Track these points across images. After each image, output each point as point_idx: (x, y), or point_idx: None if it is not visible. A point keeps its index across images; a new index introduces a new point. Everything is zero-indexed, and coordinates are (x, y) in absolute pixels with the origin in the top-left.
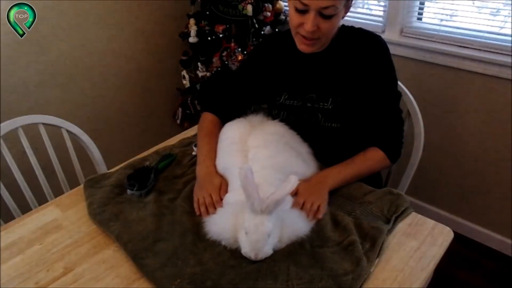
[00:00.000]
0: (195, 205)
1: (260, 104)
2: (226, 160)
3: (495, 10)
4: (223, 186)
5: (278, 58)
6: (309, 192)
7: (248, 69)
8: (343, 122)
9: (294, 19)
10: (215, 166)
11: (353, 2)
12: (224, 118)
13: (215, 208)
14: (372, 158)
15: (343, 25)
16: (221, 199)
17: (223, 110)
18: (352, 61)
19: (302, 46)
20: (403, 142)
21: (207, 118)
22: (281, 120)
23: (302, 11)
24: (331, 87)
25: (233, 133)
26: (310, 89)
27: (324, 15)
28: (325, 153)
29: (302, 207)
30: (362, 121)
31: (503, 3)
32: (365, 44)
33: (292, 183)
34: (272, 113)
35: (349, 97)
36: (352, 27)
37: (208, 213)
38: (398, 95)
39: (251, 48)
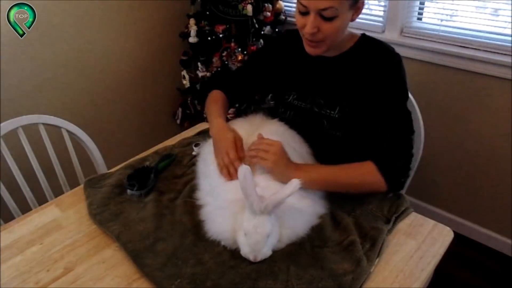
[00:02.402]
0: (219, 170)
1: (265, 100)
2: None
3: (495, 10)
4: (237, 141)
5: (292, 56)
6: (274, 163)
7: (258, 59)
8: (347, 132)
9: (298, 21)
10: (225, 122)
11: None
12: (231, 96)
13: (235, 167)
14: (365, 175)
15: (364, 34)
16: (239, 157)
17: (230, 88)
18: (365, 73)
19: (307, 48)
20: (409, 174)
21: (214, 93)
22: (287, 120)
23: (304, 13)
24: (340, 96)
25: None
26: (318, 93)
27: (325, 16)
28: (324, 160)
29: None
30: (367, 135)
31: (503, 3)
32: (380, 58)
33: (294, 186)
34: (279, 111)
35: (357, 109)
36: (373, 39)
37: (230, 174)
38: (408, 113)
39: (253, 47)
